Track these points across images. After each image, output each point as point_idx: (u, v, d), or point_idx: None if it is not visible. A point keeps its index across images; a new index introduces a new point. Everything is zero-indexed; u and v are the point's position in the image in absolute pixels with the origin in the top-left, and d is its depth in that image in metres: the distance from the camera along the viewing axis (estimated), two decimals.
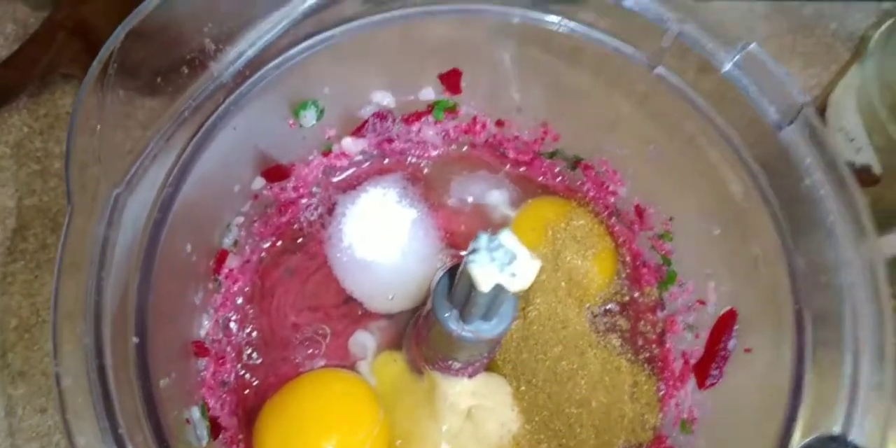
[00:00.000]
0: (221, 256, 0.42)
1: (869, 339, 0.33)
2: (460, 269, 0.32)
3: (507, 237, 0.31)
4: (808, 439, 0.32)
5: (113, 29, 0.34)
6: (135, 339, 0.30)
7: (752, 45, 0.37)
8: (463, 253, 0.44)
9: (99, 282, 0.29)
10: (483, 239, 0.31)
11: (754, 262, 0.38)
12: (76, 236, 0.30)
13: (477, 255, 0.31)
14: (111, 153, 0.32)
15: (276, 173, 0.43)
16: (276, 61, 0.37)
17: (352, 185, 0.48)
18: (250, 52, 0.36)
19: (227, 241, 0.42)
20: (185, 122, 0.34)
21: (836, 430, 0.31)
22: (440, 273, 0.46)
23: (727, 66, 0.37)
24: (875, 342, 0.33)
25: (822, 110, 0.59)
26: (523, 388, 0.44)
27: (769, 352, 0.37)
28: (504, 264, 0.31)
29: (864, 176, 0.55)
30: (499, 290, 0.32)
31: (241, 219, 0.43)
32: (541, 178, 0.51)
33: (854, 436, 0.31)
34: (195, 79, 0.34)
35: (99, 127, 0.32)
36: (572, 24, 0.40)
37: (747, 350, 0.39)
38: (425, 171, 0.50)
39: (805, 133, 0.36)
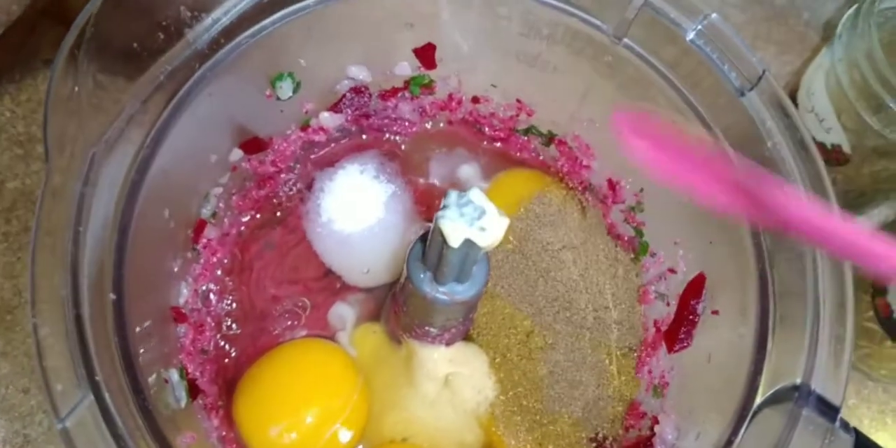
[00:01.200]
0: (200, 226, 0.42)
1: (829, 294, 0.34)
2: (431, 226, 0.33)
3: (475, 194, 0.32)
4: (771, 390, 0.33)
5: None
6: (112, 296, 0.31)
7: (714, 15, 0.38)
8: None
9: (76, 236, 0.30)
10: (453, 195, 0.32)
11: (720, 227, 0.39)
12: (53, 193, 0.30)
13: (447, 210, 0.32)
14: (88, 115, 0.33)
15: (253, 145, 0.44)
16: (251, 30, 0.37)
17: (330, 162, 0.49)
18: (225, 20, 0.36)
19: (206, 212, 0.43)
20: (161, 87, 0.35)
21: (798, 380, 0.32)
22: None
23: (690, 35, 0.38)
24: (835, 296, 0.34)
25: (794, 94, 0.61)
26: (498, 359, 0.44)
27: (735, 311, 0.38)
28: (473, 219, 0.32)
29: (836, 155, 0.56)
30: (469, 246, 0.32)
31: (219, 190, 0.43)
32: (517, 155, 0.52)
33: (815, 385, 0.32)
34: (171, 45, 0.35)
35: (76, 89, 0.32)
36: None
37: (714, 312, 0.40)
38: (402, 147, 0.51)
39: (765, 98, 0.37)
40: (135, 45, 0.35)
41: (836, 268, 0.34)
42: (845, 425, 0.31)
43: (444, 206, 0.32)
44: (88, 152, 0.31)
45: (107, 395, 0.28)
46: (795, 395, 0.32)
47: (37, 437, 0.51)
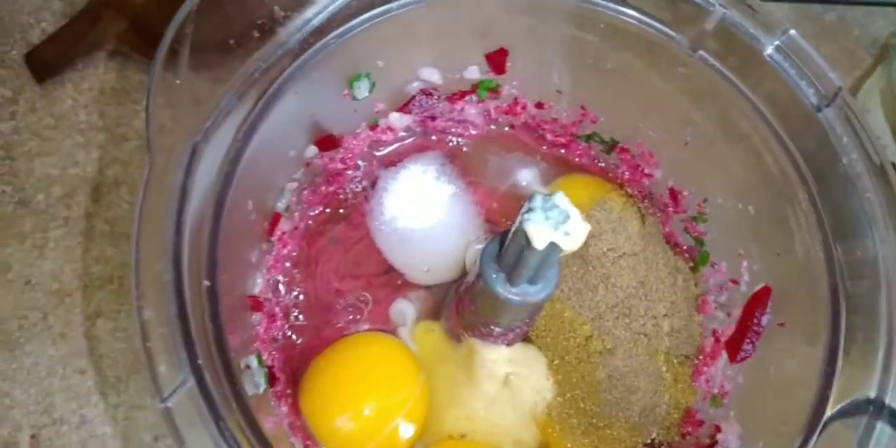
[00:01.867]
0: (275, 219, 0.43)
1: None
2: (513, 228, 0.34)
3: (560, 198, 0.33)
4: (842, 403, 0.33)
5: (158, 9, 0.35)
6: (206, 283, 0.32)
7: (792, 31, 0.39)
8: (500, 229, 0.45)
9: (178, 225, 0.31)
10: (538, 199, 0.33)
11: (790, 240, 0.40)
12: (156, 183, 0.32)
13: (532, 214, 0.32)
14: (186, 108, 0.34)
15: (327, 143, 0.45)
16: (338, 31, 0.38)
17: (394, 161, 0.50)
18: (315, 21, 0.37)
19: (280, 205, 0.44)
20: (255, 83, 0.36)
21: (872, 394, 0.33)
22: (474, 246, 0.47)
23: (769, 50, 0.39)
24: None
25: None
26: (557, 361, 0.45)
27: (804, 325, 0.38)
28: (558, 223, 0.32)
29: None
30: (551, 249, 0.33)
31: (293, 184, 0.45)
32: (576, 160, 0.52)
33: (889, 399, 0.32)
34: (265, 43, 0.36)
35: (177, 82, 0.33)
36: (617, 7, 0.41)
37: (780, 324, 0.40)
38: (465, 149, 0.52)
39: (842, 115, 0.38)
40: (231, 41, 0.36)
41: None
42: None
43: (530, 209, 0.33)
44: (189, 143, 0.32)
45: (207, 378, 0.28)
46: (870, 409, 0.32)
47: (93, 417, 0.52)
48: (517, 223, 0.33)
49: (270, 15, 0.37)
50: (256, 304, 0.41)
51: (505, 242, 0.36)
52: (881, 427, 0.31)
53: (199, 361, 0.28)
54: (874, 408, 0.32)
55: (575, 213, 0.33)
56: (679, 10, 0.40)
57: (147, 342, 0.28)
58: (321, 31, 0.38)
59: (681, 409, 0.44)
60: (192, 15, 0.35)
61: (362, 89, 0.44)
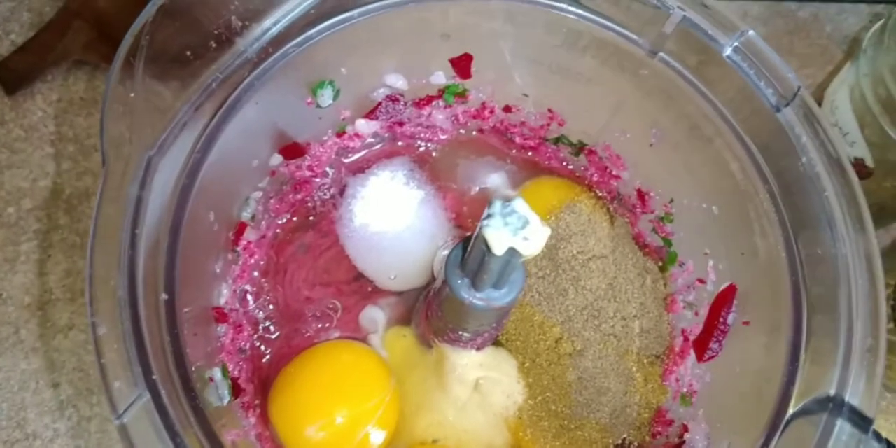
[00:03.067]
0: (240, 229, 0.43)
1: (862, 306, 0.34)
2: (474, 234, 0.34)
3: (519, 203, 0.33)
4: (804, 401, 0.34)
5: (125, 18, 0.35)
6: (164, 296, 0.31)
7: (751, 32, 0.39)
8: (468, 233, 0.45)
9: (133, 239, 0.31)
10: (497, 204, 0.33)
11: (753, 240, 0.40)
12: (111, 197, 0.31)
13: (491, 219, 0.32)
14: (143, 121, 0.34)
15: (292, 151, 0.45)
16: (298, 40, 0.38)
17: (362, 168, 0.50)
18: (274, 30, 0.37)
19: (246, 215, 0.44)
20: (212, 94, 0.35)
21: (832, 392, 0.33)
22: (441, 252, 0.47)
23: (727, 51, 0.39)
24: (868, 308, 0.34)
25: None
26: (527, 364, 0.45)
27: (767, 323, 0.38)
28: (517, 229, 0.32)
29: (858, 169, 0.57)
30: (511, 254, 0.33)
31: (258, 194, 0.44)
32: (546, 163, 0.52)
33: (849, 396, 0.33)
34: (222, 53, 0.36)
35: (132, 95, 0.33)
36: (578, 10, 0.41)
37: (745, 323, 0.40)
38: (434, 154, 0.52)
39: (801, 114, 0.38)
40: (188, 52, 0.36)
41: (869, 280, 0.35)
42: (877, 436, 0.32)
43: (489, 215, 0.33)
44: (144, 156, 0.32)
45: (163, 393, 0.28)
46: (830, 406, 0.32)
47: (66, 431, 0.51)
48: (477, 229, 0.33)
49: (228, 25, 0.37)
50: (221, 316, 0.40)
51: (468, 248, 0.36)
52: (840, 424, 0.32)
53: (154, 376, 0.28)
54: (834, 405, 0.32)
55: (534, 218, 0.33)
56: (638, 12, 0.40)
57: (101, 358, 0.28)
58: (280, 40, 0.38)
59: (651, 409, 0.45)
60: (147, 26, 0.35)
61: (326, 97, 0.44)
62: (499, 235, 0.32)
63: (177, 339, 0.31)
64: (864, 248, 0.35)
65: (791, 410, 0.33)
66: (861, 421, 0.32)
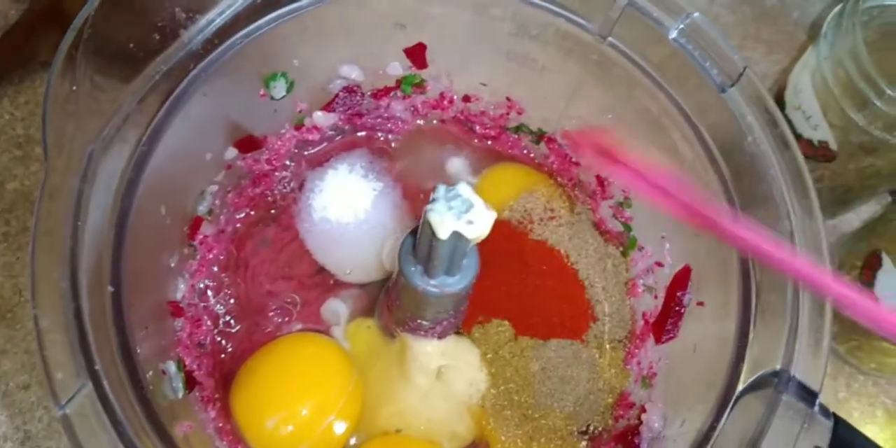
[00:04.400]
0: (196, 223, 0.43)
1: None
2: (421, 220, 0.34)
3: (463, 187, 0.33)
4: (753, 377, 0.34)
5: None
6: (110, 288, 0.32)
7: (696, 14, 0.39)
8: None
9: (74, 231, 0.31)
10: (441, 189, 0.33)
11: None
12: (52, 191, 0.31)
13: (435, 204, 0.33)
14: (86, 115, 0.34)
15: (248, 144, 0.45)
16: (245, 31, 0.38)
17: (324, 160, 0.50)
18: (219, 21, 0.37)
19: (202, 209, 0.44)
20: (156, 87, 0.35)
21: (778, 366, 0.33)
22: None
23: (673, 34, 0.39)
24: None
25: (782, 92, 0.62)
26: (490, 355, 0.45)
27: (719, 303, 0.39)
28: (461, 212, 0.33)
29: (823, 152, 0.57)
30: (457, 238, 0.33)
31: (214, 187, 0.44)
32: (508, 152, 0.53)
33: (794, 371, 0.33)
34: (166, 46, 0.36)
35: (74, 89, 0.33)
36: None
37: (700, 303, 0.41)
38: (394, 145, 0.52)
39: (746, 94, 0.38)
40: (131, 45, 0.36)
41: (817, 257, 0.35)
42: (825, 410, 0.32)
43: (433, 200, 0.33)
44: (86, 150, 0.32)
45: (105, 384, 0.28)
46: (775, 381, 0.33)
47: (37, 432, 0.51)
48: (423, 214, 0.34)
49: (172, 17, 0.37)
50: (177, 310, 0.40)
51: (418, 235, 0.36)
52: (786, 399, 0.32)
53: (97, 367, 0.28)
54: (780, 380, 0.33)
55: (478, 201, 0.33)
56: None
57: (44, 350, 0.28)
58: (226, 31, 0.38)
59: (615, 394, 0.45)
60: (90, 20, 0.35)
61: (279, 89, 0.44)
62: (443, 219, 0.32)
63: (123, 332, 0.31)
64: (810, 226, 0.36)
65: (740, 387, 0.34)
66: (808, 395, 0.32)
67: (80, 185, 0.31)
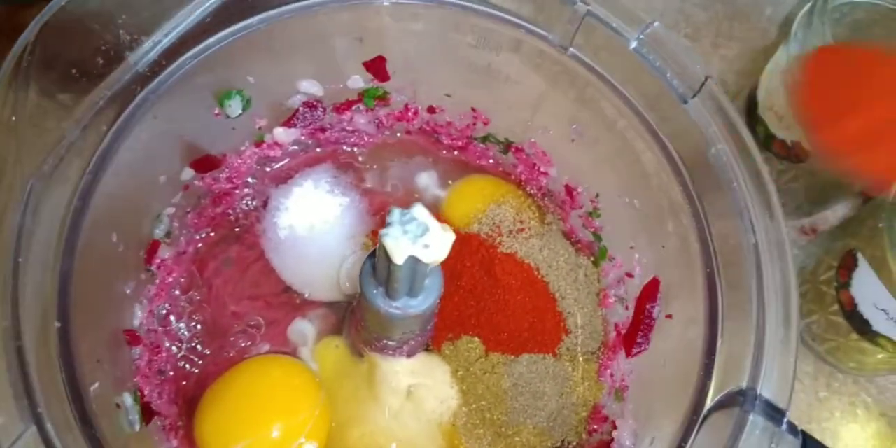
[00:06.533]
0: (153, 247, 0.42)
1: (774, 299, 0.34)
2: (378, 244, 0.33)
3: (419, 210, 0.32)
4: (720, 395, 0.33)
5: None
6: (57, 324, 0.31)
7: (656, 24, 0.39)
8: None
9: (15, 267, 0.30)
10: (396, 213, 0.32)
11: (670, 232, 0.39)
12: None
13: (390, 228, 0.32)
14: (28, 145, 0.32)
15: (205, 163, 0.44)
16: (194, 50, 0.37)
17: (288, 176, 0.49)
18: (165, 42, 0.36)
19: (159, 232, 0.43)
20: (101, 112, 0.34)
21: (744, 385, 0.33)
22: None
23: (633, 44, 0.39)
24: (780, 301, 0.34)
25: (755, 91, 0.61)
26: (461, 372, 0.44)
27: (687, 316, 0.38)
28: (417, 236, 0.32)
29: (796, 152, 0.57)
30: (415, 262, 0.32)
31: (171, 209, 0.43)
32: (476, 163, 0.52)
33: (761, 389, 0.32)
34: (111, 69, 0.35)
35: (14, 118, 0.32)
36: (487, 9, 0.41)
37: (668, 316, 0.40)
38: (360, 158, 0.51)
39: (709, 104, 0.38)
40: (74, 71, 0.34)
41: (782, 273, 0.35)
42: (793, 428, 0.32)
43: (388, 224, 0.32)
44: (27, 184, 0.31)
45: (49, 426, 0.27)
46: (742, 400, 0.32)
47: None
48: (379, 239, 0.33)
49: (116, 39, 0.36)
50: (134, 339, 0.39)
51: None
52: (753, 418, 0.31)
53: (40, 409, 0.27)
54: (746, 399, 0.32)
55: (434, 224, 0.32)
56: (545, 8, 0.40)
57: None
58: (174, 51, 0.37)
59: (588, 407, 0.44)
60: (29, 46, 0.34)
61: (235, 107, 0.43)
62: (398, 244, 0.32)
63: (71, 368, 0.30)
64: (775, 237, 0.35)
65: (708, 405, 0.33)
66: (775, 413, 0.32)
67: (20, 220, 0.30)
